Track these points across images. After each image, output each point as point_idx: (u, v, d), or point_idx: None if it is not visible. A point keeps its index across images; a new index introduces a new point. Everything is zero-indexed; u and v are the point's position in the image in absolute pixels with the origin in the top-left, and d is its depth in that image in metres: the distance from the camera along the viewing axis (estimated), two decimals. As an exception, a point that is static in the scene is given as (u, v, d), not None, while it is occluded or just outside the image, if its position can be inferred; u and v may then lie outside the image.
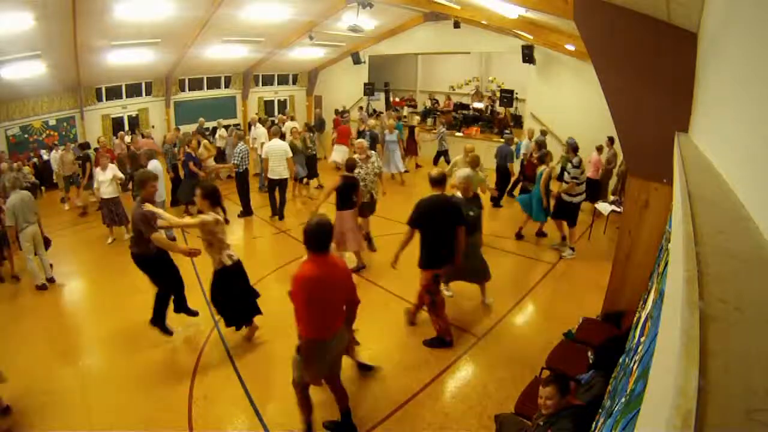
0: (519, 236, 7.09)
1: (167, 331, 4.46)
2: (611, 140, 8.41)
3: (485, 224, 5.40)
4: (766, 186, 0.89)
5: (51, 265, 5.82)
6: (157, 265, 4.30)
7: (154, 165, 6.55)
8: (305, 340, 2.85)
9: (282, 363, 3.77)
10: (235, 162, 7.82)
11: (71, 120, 11.38)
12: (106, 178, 6.69)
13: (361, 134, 10.80)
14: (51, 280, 5.68)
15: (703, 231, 0.89)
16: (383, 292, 5.28)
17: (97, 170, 6.76)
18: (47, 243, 5.81)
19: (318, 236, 2.74)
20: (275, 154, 7.59)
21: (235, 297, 4.21)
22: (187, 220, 4.30)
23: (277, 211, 8.00)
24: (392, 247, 6.10)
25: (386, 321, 4.76)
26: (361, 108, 13.95)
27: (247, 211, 8.13)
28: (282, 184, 7.81)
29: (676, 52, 3.03)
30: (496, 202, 8.65)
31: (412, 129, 11.78)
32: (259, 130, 10.09)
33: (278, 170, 7.63)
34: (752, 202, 0.99)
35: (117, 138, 10.75)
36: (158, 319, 4.42)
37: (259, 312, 4.42)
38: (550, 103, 10.73)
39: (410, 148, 11.39)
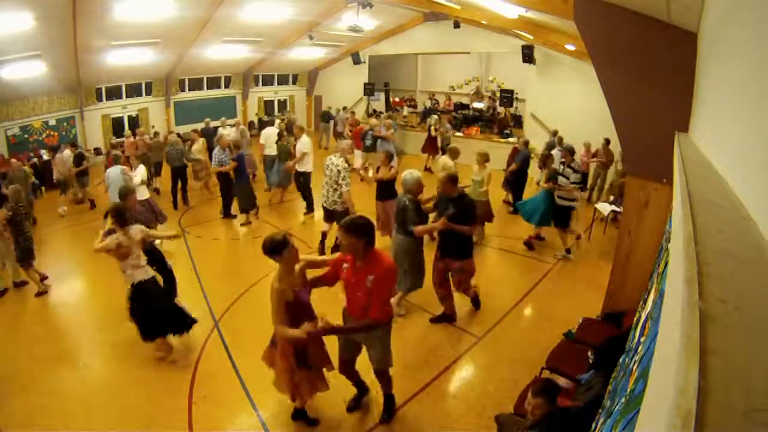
0: (530, 245, 6.69)
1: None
2: (608, 141, 8.46)
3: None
4: (766, 186, 0.89)
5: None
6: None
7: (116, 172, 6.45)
8: (387, 322, 3.03)
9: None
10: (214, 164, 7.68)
11: (71, 120, 11.38)
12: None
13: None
14: (42, 279, 5.63)
15: (703, 231, 0.89)
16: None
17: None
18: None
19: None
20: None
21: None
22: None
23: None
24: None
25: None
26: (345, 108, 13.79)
27: (226, 213, 8.00)
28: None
29: (676, 52, 3.02)
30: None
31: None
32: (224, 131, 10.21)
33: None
34: (752, 202, 0.99)
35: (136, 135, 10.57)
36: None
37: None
38: (550, 103, 10.74)
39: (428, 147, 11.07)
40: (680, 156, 1.83)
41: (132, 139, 9.87)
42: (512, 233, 7.18)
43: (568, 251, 6.39)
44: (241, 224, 7.69)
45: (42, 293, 5.38)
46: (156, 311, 4.04)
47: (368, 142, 10.13)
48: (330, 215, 6.01)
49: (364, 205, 6.51)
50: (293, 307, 2.82)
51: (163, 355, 4.16)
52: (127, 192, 4.70)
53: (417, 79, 17.37)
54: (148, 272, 4.04)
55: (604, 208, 7.10)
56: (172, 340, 4.24)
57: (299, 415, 3.39)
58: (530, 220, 6.57)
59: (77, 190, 8.80)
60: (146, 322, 4.04)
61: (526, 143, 8.48)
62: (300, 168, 7.64)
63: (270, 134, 9.04)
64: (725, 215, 1.01)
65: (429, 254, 4.72)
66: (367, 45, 14.23)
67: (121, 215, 3.90)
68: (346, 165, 5.76)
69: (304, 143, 7.60)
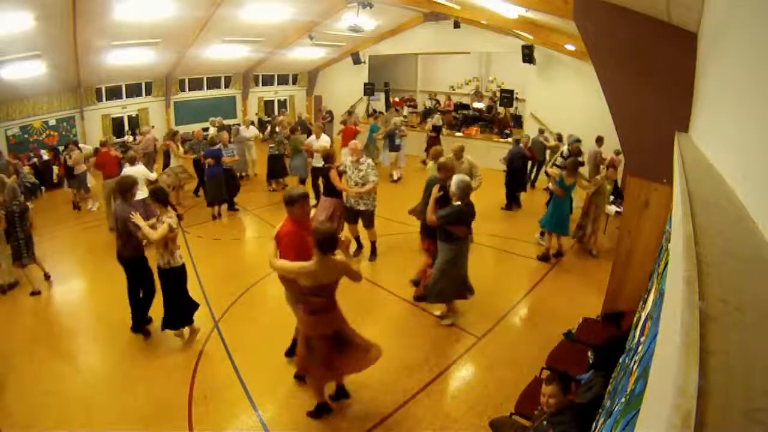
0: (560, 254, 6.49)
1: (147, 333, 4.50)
2: (600, 139, 8.42)
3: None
4: (766, 186, 0.89)
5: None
6: (144, 266, 4.44)
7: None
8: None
9: (282, 363, 3.78)
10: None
11: (71, 120, 11.37)
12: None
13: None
14: (46, 277, 5.65)
15: (703, 231, 0.89)
16: (382, 292, 5.28)
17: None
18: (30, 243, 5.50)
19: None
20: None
21: (177, 297, 4.22)
22: (157, 232, 3.96)
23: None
24: (394, 246, 6.09)
25: (386, 321, 4.76)
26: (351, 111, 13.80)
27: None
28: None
29: (676, 52, 3.02)
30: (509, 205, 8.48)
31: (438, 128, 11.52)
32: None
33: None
34: (752, 202, 0.99)
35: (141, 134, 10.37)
36: (141, 324, 4.50)
37: (191, 318, 4.36)
38: (550, 103, 10.73)
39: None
40: (680, 156, 1.83)
41: (149, 135, 9.88)
42: (512, 233, 7.17)
43: (559, 254, 6.36)
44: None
45: (36, 293, 5.33)
46: (187, 298, 4.31)
47: (396, 141, 10.39)
48: (355, 215, 5.85)
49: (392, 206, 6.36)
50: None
51: (187, 339, 4.37)
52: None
53: (417, 79, 17.34)
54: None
55: (605, 208, 7.09)
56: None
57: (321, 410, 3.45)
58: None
59: (79, 191, 8.76)
60: (176, 310, 4.21)
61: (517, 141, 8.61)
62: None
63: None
64: (725, 215, 1.01)
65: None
66: (367, 45, 14.23)
67: (165, 197, 4.05)
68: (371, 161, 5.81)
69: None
